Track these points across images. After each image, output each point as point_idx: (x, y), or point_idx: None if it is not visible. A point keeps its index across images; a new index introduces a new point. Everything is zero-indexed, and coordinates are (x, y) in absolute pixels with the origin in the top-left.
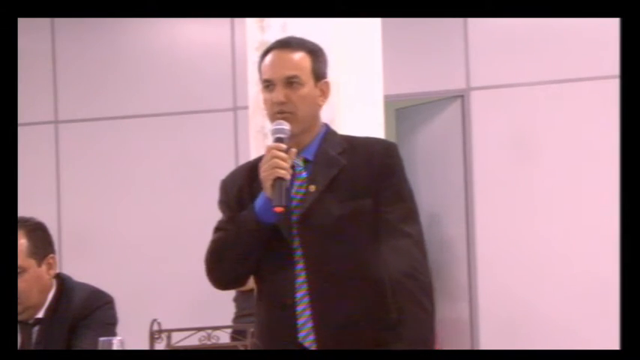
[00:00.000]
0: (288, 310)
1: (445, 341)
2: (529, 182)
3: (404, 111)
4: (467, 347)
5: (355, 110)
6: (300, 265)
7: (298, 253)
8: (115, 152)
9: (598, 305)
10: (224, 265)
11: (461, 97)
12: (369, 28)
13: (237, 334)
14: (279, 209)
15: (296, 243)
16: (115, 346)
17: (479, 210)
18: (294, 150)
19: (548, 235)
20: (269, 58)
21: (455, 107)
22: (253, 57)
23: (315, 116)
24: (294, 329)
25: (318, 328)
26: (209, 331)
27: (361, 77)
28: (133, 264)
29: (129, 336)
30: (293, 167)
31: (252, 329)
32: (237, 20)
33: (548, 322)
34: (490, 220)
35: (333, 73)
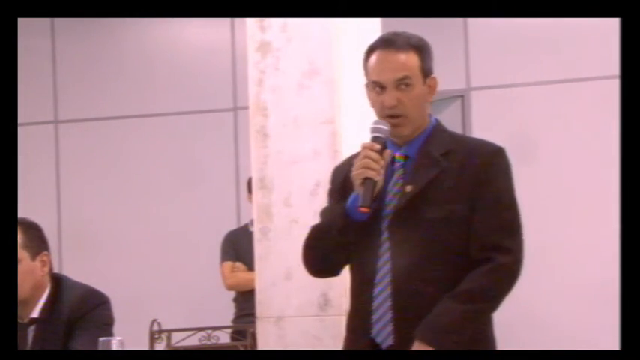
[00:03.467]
0: (365, 304)
1: None
2: (529, 182)
3: None
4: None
5: (355, 110)
6: (382, 260)
7: (386, 250)
8: (115, 152)
9: (598, 305)
10: (316, 253)
11: (461, 97)
12: (369, 28)
13: (237, 334)
14: (364, 209)
15: (384, 238)
16: (115, 346)
17: None
18: (388, 151)
19: (547, 235)
20: (376, 58)
21: (455, 107)
22: (253, 57)
23: (424, 114)
24: (369, 324)
25: (396, 327)
26: (209, 331)
27: (361, 77)
28: (133, 264)
29: (129, 336)
30: (393, 162)
31: (252, 329)
32: (237, 20)
33: (548, 322)
34: None
35: (332, 73)
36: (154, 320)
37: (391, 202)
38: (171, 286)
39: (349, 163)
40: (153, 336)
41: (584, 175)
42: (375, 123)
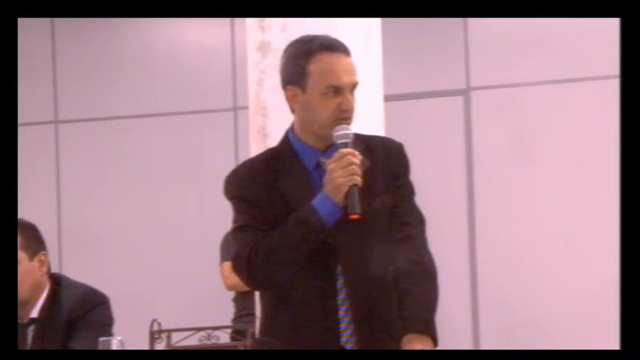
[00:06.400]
0: (330, 314)
1: (445, 341)
2: (529, 182)
3: (403, 110)
4: (467, 347)
5: (355, 110)
6: (339, 267)
7: (337, 254)
8: (115, 152)
9: (598, 306)
10: (281, 266)
11: (461, 97)
12: (369, 28)
13: (237, 334)
14: (356, 216)
15: (333, 243)
16: (115, 346)
17: (479, 210)
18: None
19: (548, 235)
20: (328, 61)
21: (455, 107)
22: (253, 57)
23: None
24: (336, 333)
25: (359, 332)
26: (209, 331)
27: (361, 77)
28: (133, 264)
29: (129, 336)
30: (320, 167)
31: (252, 329)
32: (237, 20)
33: (549, 323)
34: (491, 220)
35: None
36: (154, 320)
37: None
38: (172, 286)
39: (260, 171)
40: (153, 336)
41: (584, 174)
42: (340, 129)
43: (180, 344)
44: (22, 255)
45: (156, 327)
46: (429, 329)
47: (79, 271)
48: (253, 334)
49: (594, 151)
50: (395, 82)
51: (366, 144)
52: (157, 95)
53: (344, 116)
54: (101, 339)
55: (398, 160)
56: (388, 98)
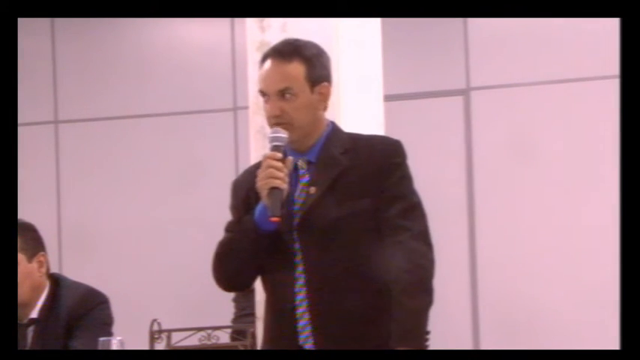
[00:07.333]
0: (288, 314)
1: (445, 340)
2: (530, 182)
3: (403, 110)
4: (467, 347)
5: (355, 110)
6: (300, 268)
7: (298, 256)
8: (115, 152)
9: (598, 305)
10: (228, 268)
11: (461, 97)
12: (369, 28)
13: (237, 334)
14: (274, 219)
15: (296, 246)
16: (115, 346)
17: (479, 210)
18: (290, 159)
19: (548, 235)
20: (264, 67)
21: (455, 107)
22: (253, 57)
23: (316, 121)
24: (294, 333)
25: (316, 332)
26: (209, 331)
27: (361, 77)
28: (133, 264)
29: (129, 336)
30: (297, 170)
31: (252, 329)
32: (237, 20)
33: (549, 322)
34: (491, 219)
35: (333, 74)
36: (154, 320)
37: (300, 209)
38: (172, 286)
39: (250, 175)
40: (153, 336)
41: (584, 174)
42: (273, 132)
43: (180, 344)
44: (20, 257)
45: (156, 327)
46: (416, 342)
47: (79, 271)
48: (253, 334)
49: (594, 151)
50: (395, 82)
51: (353, 143)
52: (157, 95)
53: (272, 122)
54: (101, 339)
55: (385, 160)
56: (388, 98)
